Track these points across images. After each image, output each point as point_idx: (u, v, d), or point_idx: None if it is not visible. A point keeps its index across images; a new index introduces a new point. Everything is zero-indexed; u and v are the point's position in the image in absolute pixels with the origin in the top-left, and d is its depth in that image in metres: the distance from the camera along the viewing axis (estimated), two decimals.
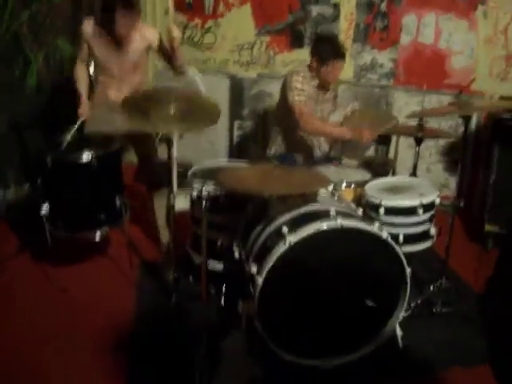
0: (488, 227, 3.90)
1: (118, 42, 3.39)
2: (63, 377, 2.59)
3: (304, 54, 4.17)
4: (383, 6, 4.49)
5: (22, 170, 4.55)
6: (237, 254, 2.86)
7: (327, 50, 3.48)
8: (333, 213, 2.50)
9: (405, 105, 4.57)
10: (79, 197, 3.10)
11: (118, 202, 3.19)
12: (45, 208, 3.08)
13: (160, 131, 3.35)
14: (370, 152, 4.71)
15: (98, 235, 3.21)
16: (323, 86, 3.64)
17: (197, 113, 2.71)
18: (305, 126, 3.45)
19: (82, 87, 3.56)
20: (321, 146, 3.84)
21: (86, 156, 3.02)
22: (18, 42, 4.31)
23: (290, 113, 3.49)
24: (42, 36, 4.55)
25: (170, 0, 3.73)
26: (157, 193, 3.67)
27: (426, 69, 4.54)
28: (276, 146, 3.77)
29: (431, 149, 4.61)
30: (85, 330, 2.92)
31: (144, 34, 3.42)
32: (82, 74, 3.58)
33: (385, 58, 4.60)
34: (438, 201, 2.98)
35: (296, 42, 4.77)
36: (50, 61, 4.69)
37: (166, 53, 3.44)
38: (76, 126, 3.32)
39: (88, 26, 3.40)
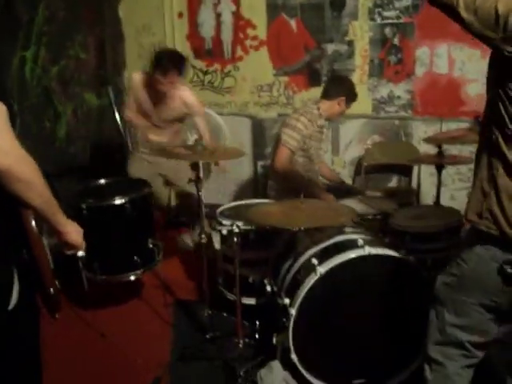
0: None
1: (157, 97, 3.72)
2: None
3: None
4: (396, 41, 4.62)
5: None
6: (269, 288, 2.94)
7: (353, 91, 3.73)
8: (360, 242, 2.57)
9: (424, 134, 4.64)
10: (114, 240, 3.23)
11: (150, 245, 3.29)
12: (81, 252, 3.19)
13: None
14: (393, 183, 4.79)
15: (132, 277, 3.31)
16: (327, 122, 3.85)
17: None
18: (279, 166, 3.60)
19: (141, 120, 3.93)
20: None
21: (120, 200, 3.15)
22: (48, 96, 4.52)
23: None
24: (70, 89, 4.77)
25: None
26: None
27: (443, 98, 4.63)
28: None
29: (454, 176, 4.66)
30: (124, 370, 3.00)
31: (185, 100, 3.75)
32: (133, 113, 3.93)
33: (401, 90, 4.70)
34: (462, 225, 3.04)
35: (313, 80, 4.89)
36: (78, 113, 4.89)
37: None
38: None
39: (136, 77, 3.80)
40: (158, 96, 3.73)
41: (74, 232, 1.84)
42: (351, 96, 3.72)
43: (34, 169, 1.56)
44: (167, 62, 3.54)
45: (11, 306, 1.60)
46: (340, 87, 3.72)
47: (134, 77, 3.83)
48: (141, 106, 3.83)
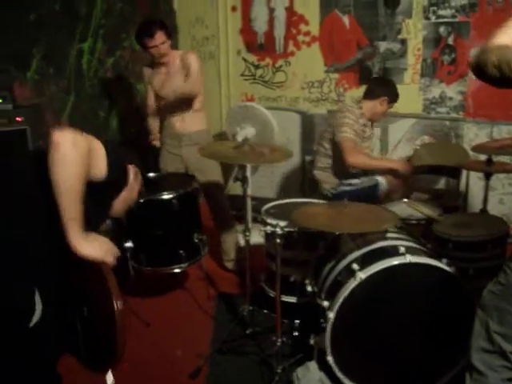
0: None
1: (163, 67, 3.75)
2: None
3: None
4: (450, 40, 4.55)
5: None
6: (309, 289, 2.98)
7: (395, 92, 3.83)
8: (402, 249, 2.58)
9: (475, 137, 4.58)
10: (160, 234, 3.32)
11: (196, 240, 3.38)
12: (129, 244, 3.30)
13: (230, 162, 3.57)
14: (441, 184, 4.74)
15: (177, 270, 3.41)
16: (371, 124, 3.91)
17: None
18: (352, 160, 3.61)
19: (153, 123, 4.10)
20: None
21: (168, 195, 3.24)
22: (104, 86, 4.65)
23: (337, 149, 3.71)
24: (124, 81, 4.88)
25: None
26: (226, 228, 4.00)
27: (496, 100, 4.54)
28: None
29: (503, 180, 4.59)
30: (165, 359, 3.10)
31: (185, 60, 3.67)
32: (151, 109, 4.05)
33: (453, 91, 4.63)
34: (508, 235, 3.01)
35: (364, 77, 4.87)
36: (132, 103, 5.01)
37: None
38: None
39: (146, 69, 3.89)
40: (163, 69, 3.76)
41: (85, 247, 1.87)
42: (393, 97, 3.84)
43: (79, 169, 1.77)
44: (150, 25, 3.56)
45: (32, 324, 1.71)
46: (384, 87, 3.82)
47: (145, 69, 3.91)
48: (156, 93, 3.88)
